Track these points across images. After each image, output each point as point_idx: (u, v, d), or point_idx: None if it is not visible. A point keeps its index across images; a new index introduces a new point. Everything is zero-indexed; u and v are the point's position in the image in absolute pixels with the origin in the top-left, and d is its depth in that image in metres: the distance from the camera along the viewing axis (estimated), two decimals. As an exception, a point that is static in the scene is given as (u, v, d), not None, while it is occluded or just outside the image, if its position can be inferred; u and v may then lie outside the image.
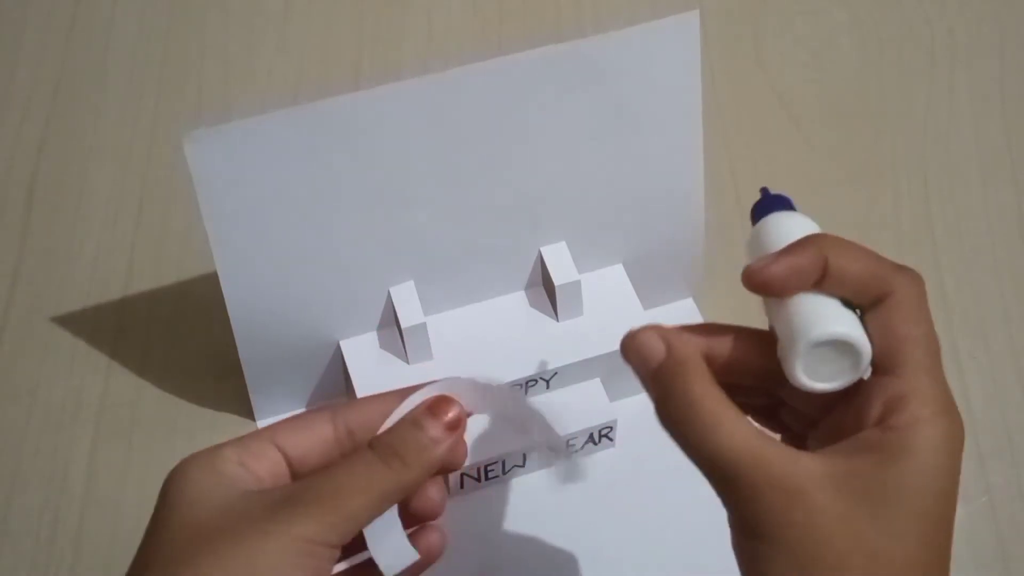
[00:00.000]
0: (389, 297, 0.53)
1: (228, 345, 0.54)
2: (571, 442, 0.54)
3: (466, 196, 0.52)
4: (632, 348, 0.37)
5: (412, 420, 0.39)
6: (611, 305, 0.55)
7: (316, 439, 0.39)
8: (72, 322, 0.61)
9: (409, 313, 0.53)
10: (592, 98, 0.51)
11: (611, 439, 0.55)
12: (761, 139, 0.68)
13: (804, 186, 0.66)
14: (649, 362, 0.36)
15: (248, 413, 0.57)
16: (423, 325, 0.53)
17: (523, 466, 0.54)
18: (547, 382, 0.54)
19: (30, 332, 0.60)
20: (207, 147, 0.47)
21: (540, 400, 0.54)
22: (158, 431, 0.58)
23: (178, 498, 0.37)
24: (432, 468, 0.39)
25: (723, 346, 0.37)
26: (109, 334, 0.60)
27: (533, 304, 0.56)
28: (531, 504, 0.54)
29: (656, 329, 0.37)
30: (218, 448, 0.38)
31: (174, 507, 0.37)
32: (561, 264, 0.54)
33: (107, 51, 0.71)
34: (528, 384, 0.54)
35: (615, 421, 0.54)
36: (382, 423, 0.40)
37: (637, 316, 0.55)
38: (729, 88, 0.70)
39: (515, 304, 0.56)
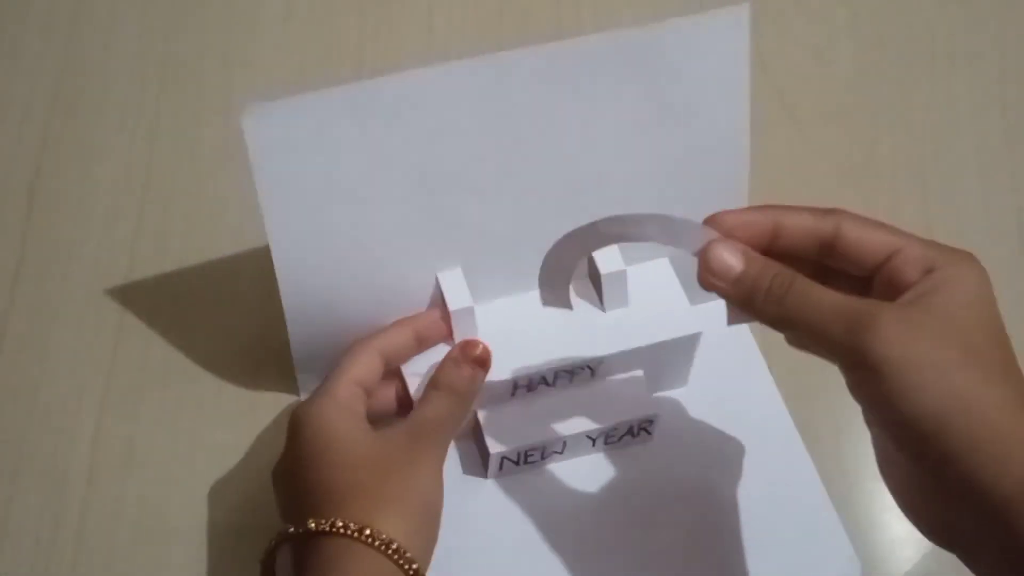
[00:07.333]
0: (437, 282, 0.53)
1: (228, 344, 0.54)
2: (610, 434, 0.55)
3: (516, 183, 0.52)
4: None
5: (452, 359, 0.51)
6: (656, 298, 0.55)
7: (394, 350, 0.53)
8: (73, 321, 0.61)
9: (457, 296, 0.53)
10: (643, 88, 0.51)
11: (650, 432, 0.55)
12: (761, 138, 0.68)
13: (803, 186, 0.67)
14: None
15: (249, 412, 0.57)
16: (471, 308, 0.53)
17: (561, 453, 0.55)
18: (592, 370, 0.54)
19: (31, 331, 0.60)
20: (264, 120, 0.47)
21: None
22: (158, 430, 0.57)
23: (323, 443, 0.47)
24: (474, 394, 0.51)
25: (787, 221, 0.42)
26: (110, 333, 0.60)
27: (579, 294, 0.55)
28: (565, 490, 0.55)
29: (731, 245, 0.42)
30: (335, 389, 0.49)
31: (324, 450, 0.47)
32: (607, 254, 0.54)
33: (107, 51, 0.71)
34: (572, 372, 0.54)
35: (656, 415, 0.54)
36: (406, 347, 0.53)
37: (683, 310, 0.55)
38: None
39: None
